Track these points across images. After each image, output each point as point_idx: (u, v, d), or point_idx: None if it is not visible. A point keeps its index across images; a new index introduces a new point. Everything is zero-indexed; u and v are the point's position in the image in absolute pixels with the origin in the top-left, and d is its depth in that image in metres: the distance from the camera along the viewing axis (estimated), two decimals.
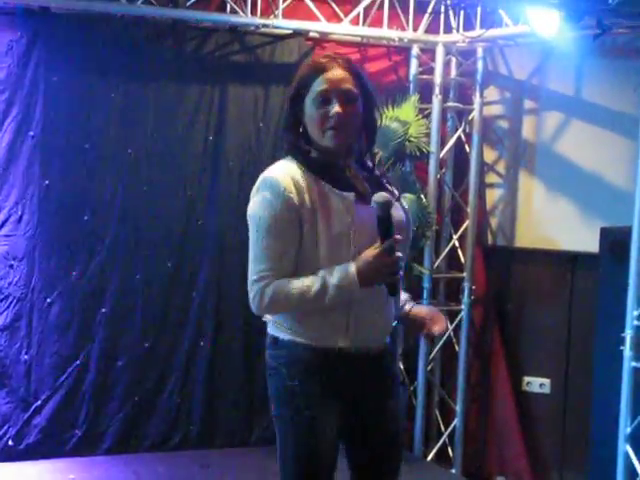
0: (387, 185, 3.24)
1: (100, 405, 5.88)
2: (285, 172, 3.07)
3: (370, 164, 3.27)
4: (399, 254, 3.00)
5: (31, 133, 5.67)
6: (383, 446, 3.23)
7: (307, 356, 3.08)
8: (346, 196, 3.05)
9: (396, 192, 3.25)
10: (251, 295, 3.08)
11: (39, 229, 5.71)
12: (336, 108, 3.03)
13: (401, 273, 3.04)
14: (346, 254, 3.01)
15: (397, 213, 3.13)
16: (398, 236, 2.99)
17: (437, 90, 6.35)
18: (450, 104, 6.51)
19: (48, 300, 5.75)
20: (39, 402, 5.75)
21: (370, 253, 2.98)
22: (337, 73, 3.06)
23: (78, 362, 5.82)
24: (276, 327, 3.15)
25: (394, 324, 3.26)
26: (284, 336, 3.11)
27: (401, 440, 3.32)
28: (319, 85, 3.05)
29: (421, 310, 3.36)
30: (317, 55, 3.23)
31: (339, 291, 2.98)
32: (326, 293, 2.98)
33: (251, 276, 3.08)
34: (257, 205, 3.10)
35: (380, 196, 2.99)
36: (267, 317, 3.19)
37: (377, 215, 2.99)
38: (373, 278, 2.99)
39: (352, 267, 2.98)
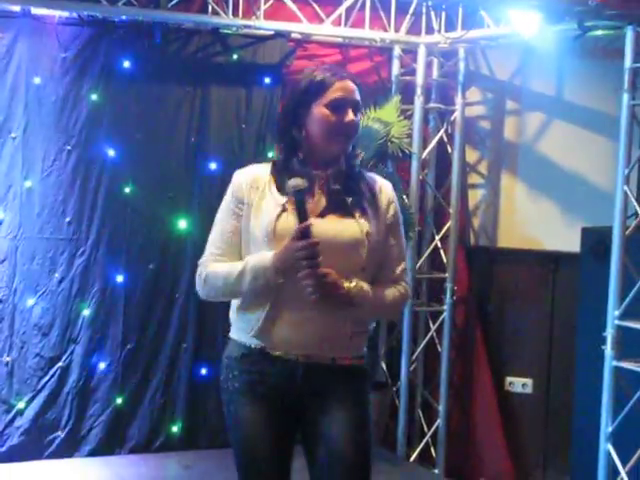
0: (358, 200, 3.20)
1: (83, 407, 5.87)
2: (249, 170, 3.25)
3: (354, 172, 3.27)
4: (315, 240, 3.00)
5: (12, 135, 5.66)
6: (326, 460, 3.16)
7: (232, 352, 3.24)
8: (279, 199, 3.13)
9: (365, 203, 3.21)
10: (196, 279, 3.29)
11: (21, 231, 5.70)
12: (351, 116, 3.15)
13: (320, 259, 3.01)
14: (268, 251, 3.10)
15: (341, 227, 3.13)
16: (309, 222, 3.02)
17: (419, 91, 6.36)
18: (432, 105, 6.53)
19: (30, 302, 5.74)
20: (21, 404, 5.73)
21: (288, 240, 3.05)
22: (350, 84, 3.17)
23: (61, 364, 5.81)
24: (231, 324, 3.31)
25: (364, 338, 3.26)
26: (230, 332, 3.29)
27: (345, 461, 3.14)
28: (335, 92, 3.14)
29: None
30: (318, 65, 3.29)
31: (255, 273, 3.08)
32: (244, 275, 3.09)
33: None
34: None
35: (293, 181, 3.06)
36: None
37: (294, 200, 3.07)
38: (287, 261, 3.03)
39: (269, 253, 3.07)
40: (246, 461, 3.23)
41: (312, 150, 3.18)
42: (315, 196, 3.17)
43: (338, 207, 3.16)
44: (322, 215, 3.14)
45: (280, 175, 3.18)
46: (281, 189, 3.14)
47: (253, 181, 3.18)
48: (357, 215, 3.16)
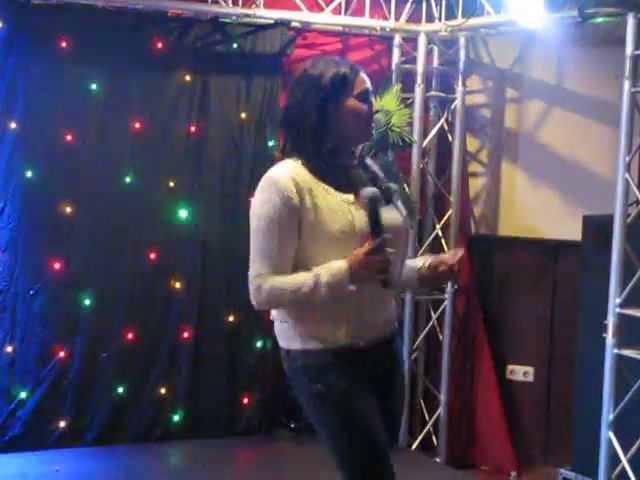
0: (386, 185, 3.33)
1: (84, 396, 5.88)
2: (288, 172, 3.14)
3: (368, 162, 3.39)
4: (390, 250, 3.06)
5: (13, 124, 5.65)
6: (387, 424, 3.29)
7: (318, 361, 3.18)
8: (345, 197, 3.14)
9: (393, 187, 3.36)
10: (250, 291, 3.16)
11: (22, 221, 5.70)
12: (374, 108, 3.29)
13: (391, 269, 3.11)
14: (350, 253, 3.10)
15: (392, 215, 3.24)
16: (388, 234, 3.07)
17: (419, 79, 6.35)
18: (432, 93, 6.51)
19: (32, 292, 5.74)
20: (23, 394, 5.74)
21: (361, 250, 3.07)
22: (367, 77, 3.27)
23: (62, 353, 5.82)
24: (285, 338, 3.26)
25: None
26: (294, 346, 3.22)
27: (401, 416, 3.51)
28: (362, 83, 3.23)
29: (437, 258, 3.39)
30: (329, 60, 3.33)
31: (330, 288, 3.06)
32: (318, 290, 3.06)
33: (251, 273, 3.16)
34: (258, 204, 3.14)
35: (368, 191, 3.09)
36: (272, 317, 3.31)
37: (366, 210, 3.08)
38: (363, 275, 3.07)
39: (344, 264, 3.06)
40: (372, 455, 3.19)
41: (340, 140, 3.21)
42: (361, 187, 3.20)
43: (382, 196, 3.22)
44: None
45: (327, 172, 3.17)
46: (338, 186, 3.16)
47: (298, 184, 3.11)
48: (396, 201, 3.31)
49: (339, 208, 3.12)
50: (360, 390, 3.20)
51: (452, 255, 3.35)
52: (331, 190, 3.15)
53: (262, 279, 3.11)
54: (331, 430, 3.22)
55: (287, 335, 3.24)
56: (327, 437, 3.23)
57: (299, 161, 3.18)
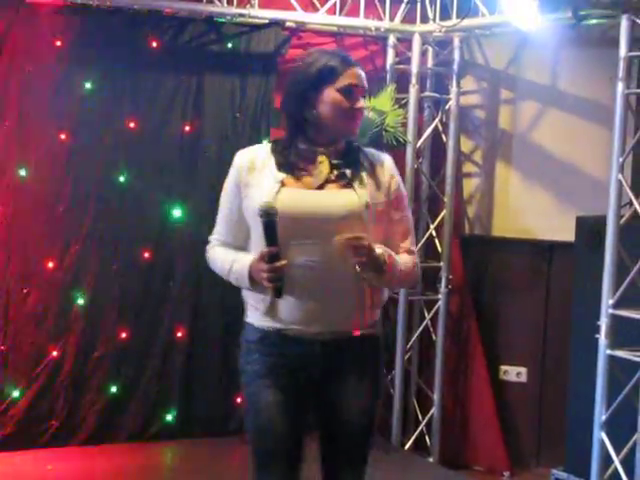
0: (357, 167, 3.28)
1: (77, 395, 5.88)
2: (249, 151, 3.34)
3: (352, 147, 3.34)
4: (282, 262, 3.05)
5: (6, 123, 5.65)
6: (342, 436, 3.28)
7: (250, 335, 3.29)
8: (276, 175, 3.19)
9: (364, 175, 3.26)
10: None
11: (15, 219, 5.69)
12: (362, 103, 3.27)
13: (281, 282, 3.08)
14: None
15: (341, 200, 3.18)
16: (274, 249, 3.06)
17: (414, 80, 6.35)
18: (427, 94, 6.52)
19: (24, 290, 5.74)
20: (15, 393, 5.73)
21: (255, 256, 3.14)
22: (360, 71, 3.28)
23: (55, 352, 5.81)
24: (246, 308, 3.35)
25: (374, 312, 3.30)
26: (245, 317, 3.33)
27: (363, 433, 3.33)
28: (349, 78, 3.23)
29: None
30: (327, 51, 3.36)
31: (237, 278, 3.24)
32: (230, 276, 3.27)
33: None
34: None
35: (264, 203, 3.10)
36: None
37: (262, 221, 3.09)
38: (256, 278, 3.15)
39: (248, 263, 3.17)
40: (263, 444, 3.23)
41: (320, 130, 3.23)
42: (317, 168, 3.22)
43: (338, 179, 3.22)
44: (321, 187, 3.20)
45: (281, 154, 3.25)
46: (281, 166, 3.21)
47: (251, 162, 3.26)
48: (356, 186, 3.21)
49: (268, 186, 3.17)
50: (273, 381, 3.20)
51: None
52: (272, 168, 3.21)
53: (209, 246, 3.37)
54: (244, 404, 3.33)
55: (246, 305, 3.36)
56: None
57: (270, 143, 3.33)
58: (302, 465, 3.26)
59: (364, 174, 3.24)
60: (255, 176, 3.22)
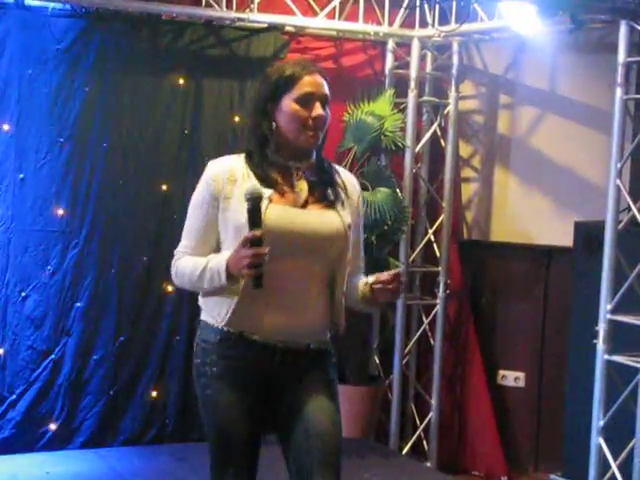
0: (337, 192, 3.25)
1: (75, 399, 5.87)
2: (224, 161, 3.26)
3: (325, 164, 3.30)
4: (263, 249, 2.98)
5: (5, 127, 5.65)
6: (302, 437, 3.20)
7: (208, 336, 3.27)
8: (263, 191, 3.10)
9: (342, 195, 3.26)
10: None
11: (14, 223, 5.69)
12: (319, 110, 3.15)
13: (262, 269, 3.01)
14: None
15: (324, 220, 3.18)
16: (258, 232, 2.99)
17: (412, 84, 6.36)
18: (425, 98, 6.53)
19: (23, 294, 5.73)
20: (14, 396, 5.72)
21: (235, 246, 3.07)
22: (318, 78, 3.18)
23: (53, 356, 5.81)
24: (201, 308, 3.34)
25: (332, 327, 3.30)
26: (202, 316, 3.33)
27: (324, 445, 3.18)
28: (304, 86, 3.15)
29: (377, 278, 3.21)
30: (289, 59, 3.33)
31: (211, 276, 3.13)
32: (204, 275, 3.15)
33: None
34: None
35: (251, 187, 3.07)
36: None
37: (246, 207, 3.04)
38: (235, 267, 3.06)
39: (225, 257, 3.10)
40: (220, 445, 3.25)
41: (282, 144, 3.19)
42: (296, 187, 3.20)
43: (320, 199, 3.21)
44: (304, 206, 3.18)
45: (259, 166, 3.19)
46: (263, 181, 3.15)
47: (229, 173, 3.19)
48: (339, 207, 3.21)
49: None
50: (232, 383, 3.21)
51: (390, 275, 3.18)
52: (254, 183, 3.14)
53: (176, 258, 3.27)
54: (200, 408, 3.34)
55: (201, 304, 3.34)
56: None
57: (243, 154, 3.25)
58: (258, 466, 3.28)
59: (342, 195, 3.24)
60: (236, 188, 3.15)
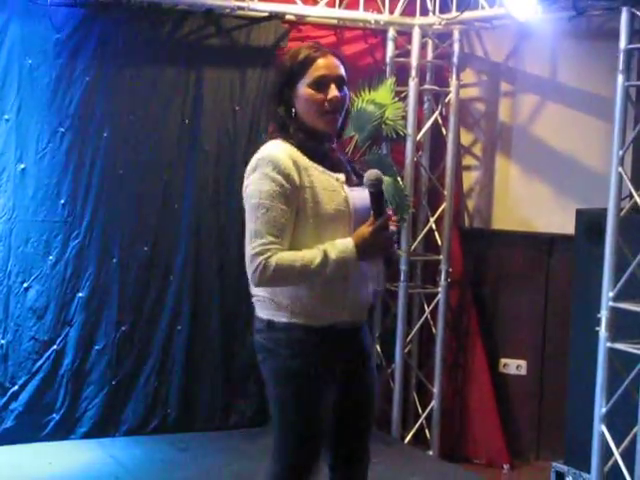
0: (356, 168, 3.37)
1: (78, 389, 5.88)
2: (283, 151, 3.16)
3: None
4: (392, 228, 3.13)
5: (6, 117, 5.64)
6: (356, 413, 3.40)
7: (305, 336, 3.18)
8: (338, 177, 3.20)
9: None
10: (251, 269, 3.11)
11: (15, 213, 5.69)
12: (335, 92, 3.18)
13: (395, 247, 3.23)
14: (343, 232, 3.15)
15: (364, 194, 3.20)
16: (390, 212, 3.13)
17: (413, 73, 6.34)
18: (427, 87, 6.51)
19: (25, 284, 5.73)
20: (16, 387, 5.73)
21: (366, 229, 3.11)
22: (332, 60, 3.20)
23: (55, 346, 5.81)
24: (269, 309, 3.22)
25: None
26: (280, 318, 3.20)
27: (374, 409, 3.53)
28: (317, 70, 3.17)
29: None
30: (302, 44, 3.34)
31: (338, 265, 3.09)
32: (326, 266, 3.08)
33: (252, 250, 3.11)
34: (257, 181, 3.14)
35: (372, 173, 3.11)
36: (258, 297, 3.26)
37: (370, 192, 3.12)
38: (371, 252, 3.12)
39: (351, 243, 3.10)
40: (306, 451, 3.27)
41: (303, 129, 3.21)
42: (341, 168, 3.26)
43: (353, 177, 3.29)
44: (357, 185, 3.25)
45: (314, 153, 3.21)
46: (331, 166, 3.22)
47: (296, 162, 3.15)
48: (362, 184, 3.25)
49: (333, 187, 3.16)
50: (329, 381, 3.23)
51: None
52: (321, 169, 3.18)
53: (267, 256, 3.08)
54: (284, 411, 3.25)
55: (273, 307, 3.21)
56: (277, 416, 3.27)
57: (287, 142, 3.20)
58: None
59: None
60: (308, 176, 3.15)
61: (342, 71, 3.22)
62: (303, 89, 3.17)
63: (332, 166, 3.22)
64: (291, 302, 3.18)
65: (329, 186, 3.16)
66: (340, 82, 3.20)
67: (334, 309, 3.19)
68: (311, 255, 3.08)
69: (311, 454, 3.26)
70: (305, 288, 3.16)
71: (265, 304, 3.24)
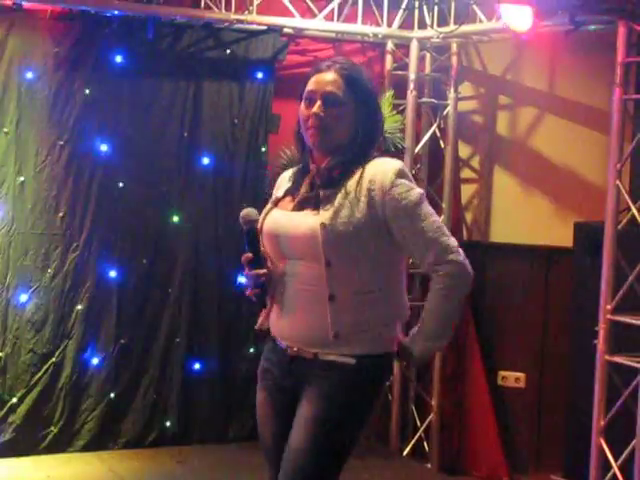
0: (337, 187, 3.13)
1: (76, 402, 5.87)
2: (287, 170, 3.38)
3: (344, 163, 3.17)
4: (259, 271, 3.13)
5: (5, 130, 5.65)
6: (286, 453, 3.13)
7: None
8: (276, 197, 3.30)
9: (343, 194, 3.12)
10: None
11: (14, 226, 5.70)
12: (314, 109, 3.10)
13: (266, 289, 3.17)
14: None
15: (297, 221, 3.13)
16: (249, 254, 3.14)
17: (412, 86, 6.36)
18: (425, 100, 6.52)
19: (23, 297, 5.73)
20: (14, 399, 5.73)
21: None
22: (327, 76, 3.13)
23: (54, 359, 5.81)
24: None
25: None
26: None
27: (296, 454, 3.09)
28: (308, 85, 3.15)
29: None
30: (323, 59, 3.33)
31: None
32: None
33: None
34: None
35: (245, 210, 3.19)
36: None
37: (240, 230, 3.19)
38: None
39: None
40: (260, 440, 3.32)
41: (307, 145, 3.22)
42: (300, 190, 3.21)
43: (310, 200, 3.14)
44: (293, 209, 3.18)
45: (298, 172, 3.28)
46: (288, 188, 3.25)
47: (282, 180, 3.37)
48: (322, 206, 3.09)
49: (267, 209, 3.27)
50: (263, 384, 3.33)
51: None
52: (280, 191, 3.32)
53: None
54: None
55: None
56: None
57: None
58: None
59: (339, 193, 3.08)
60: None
61: (333, 88, 3.10)
62: (301, 103, 3.18)
63: (293, 188, 3.24)
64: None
65: (267, 208, 3.24)
66: (327, 99, 3.10)
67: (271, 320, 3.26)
68: None
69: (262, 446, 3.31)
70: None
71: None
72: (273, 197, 3.27)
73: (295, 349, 3.17)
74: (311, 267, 3.09)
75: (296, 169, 3.29)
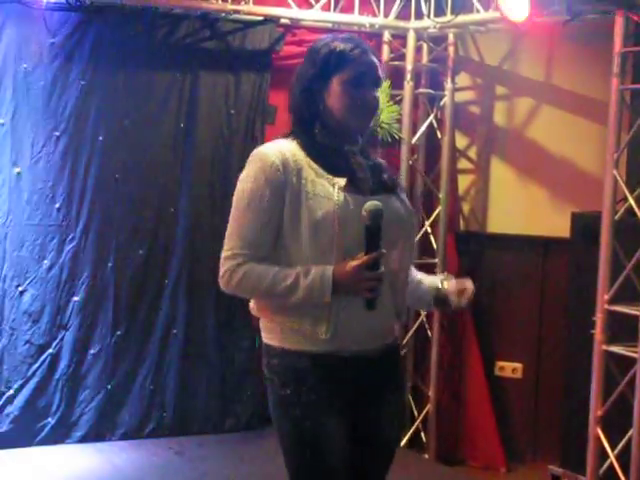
0: (391, 175, 3.12)
1: (73, 393, 5.87)
2: (278, 149, 2.94)
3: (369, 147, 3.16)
4: (382, 270, 2.84)
5: (1, 121, 5.64)
6: (374, 448, 3.09)
7: (297, 363, 2.93)
8: (336, 181, 2.91)
9: (400, 182, 3.17)
10: (221, 271, 2.97)
11: (10, 217, 5.69)
12: (373, 93, 3.00)
13: (380, 289, 2.85)
14: (328, 242, 2.86)
15: (397, 205, 3.04)
16: (384, 250, 2.83)
17: (408, 76, 6.35)
18: (421, 90, 6.52)
19: (20, 288, 5.73)
20: (11, 391, 5.72)
21: (351, 263, 2.82)
22: (372, 59, 3.01)
23: (51, 350, 5.81)
24: (266, 331, 3.02)
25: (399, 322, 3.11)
26: (274, 343, 2.98)
27: (394, 445, 3.20)
28: (357, 67, 2.96)
29: (448, 289, 3.29)
30: (336, 37, 3.09)
31: (309, 294, 2.84)
32: (295, 292, 2.84)
33: (225, 252, 2.96)
34: (243, 178, 2.96)
35: (371, 204, 2.83)
36: (261, 323, 3.06)
37: (365, 224, 2.82)
38: (348, 289, 2.83)
39: (329, 272, 2.83)
40: (321, 476, 2.95)
41: (330, 124, 2.99)
42: (358, 172, 2.98)
43: (381, 184, 3.02)
44: (373, 193, 2.95)
45: (321, 152, 2.97)
46: (331, 169, 2.93)
47: (288, 162, 2.91)
48: (399, 192, 3.08)
49: (325, 192, 2.87)
50: (331, 407, 2.93)
51: (454, 290, 3.28)
52: (321, 172, 2.92)
53: (236, 263, 2.91)
54: (287, 443, 2.97)
55: (268, 328, 3.01)
56: (283, 450, 2.98)
57: (294, 140, 2.99)
58: None
59: (397, 179, 3.12)
60: (300, 178, 2.89)
61: (380, 72, 3.03)
62: (339, 84, 2.95)
63: (342, 169, 2.95)
64: (274, 314, 2.98)
65: (321, 191, 2.87)
66: (378, 83, 3.03)
67: (319, 339, 2.89)
68: (283, 275, 2.85)
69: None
70: (278, 308, 2.94)
71: (261, 321, 3.06)
72: (272, 184, 2.88)
73: (369, 350, 2.98)
74: (405, 256, 3.04)
75: (293, 148, 2.96)
